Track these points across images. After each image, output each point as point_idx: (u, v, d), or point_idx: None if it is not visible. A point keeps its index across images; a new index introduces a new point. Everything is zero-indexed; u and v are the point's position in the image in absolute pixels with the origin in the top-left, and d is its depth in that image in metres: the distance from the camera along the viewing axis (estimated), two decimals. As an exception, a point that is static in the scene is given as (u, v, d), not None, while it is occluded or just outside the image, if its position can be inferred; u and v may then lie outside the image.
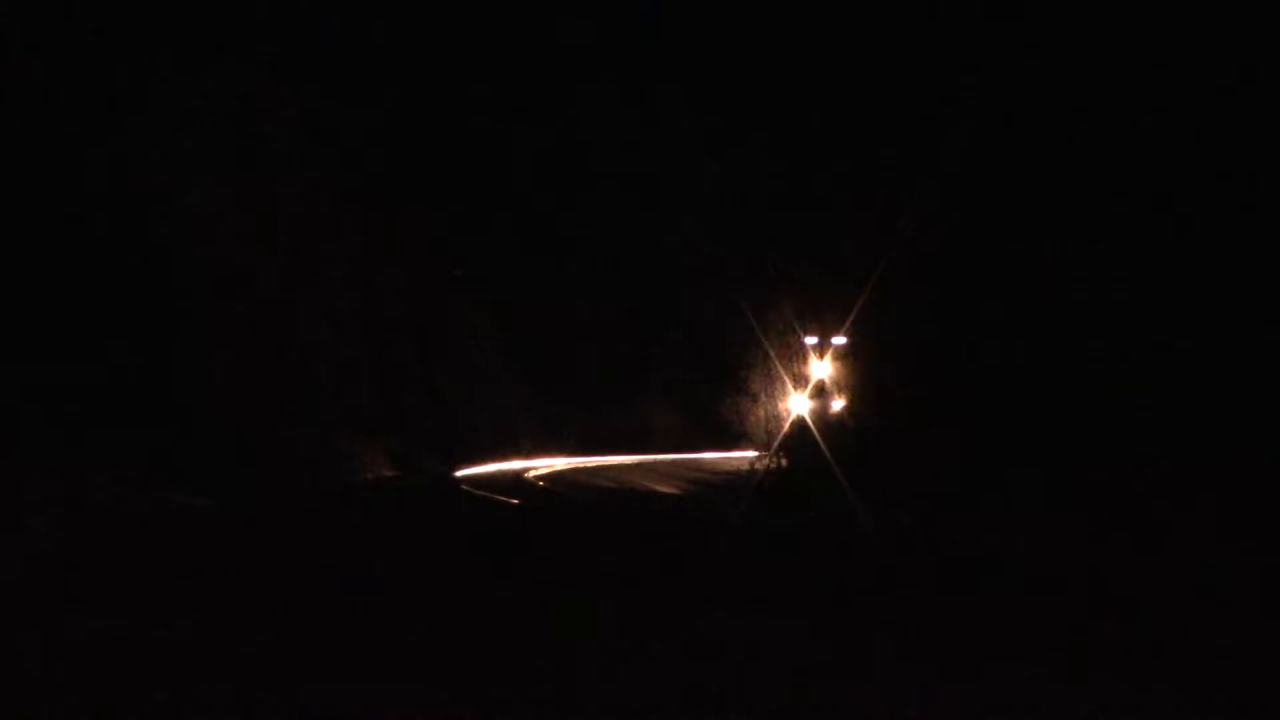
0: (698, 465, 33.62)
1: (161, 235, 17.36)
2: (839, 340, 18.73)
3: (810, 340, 19.94)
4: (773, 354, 21.45)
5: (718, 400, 29.36)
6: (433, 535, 12.86)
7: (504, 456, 31.65)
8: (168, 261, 17.40)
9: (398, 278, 28.05)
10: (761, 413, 23.43)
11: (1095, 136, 11.99)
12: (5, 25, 14.94)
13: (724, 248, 26.86)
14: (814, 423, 18.55)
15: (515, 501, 17.74)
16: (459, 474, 25.43)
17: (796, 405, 19.98)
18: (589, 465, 32.62)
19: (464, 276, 32.05)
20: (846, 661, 5.69)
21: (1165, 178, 11.24)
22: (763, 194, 22.09)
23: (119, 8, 16.54)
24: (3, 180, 14.57)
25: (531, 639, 6.18)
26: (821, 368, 19.57)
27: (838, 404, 18.86)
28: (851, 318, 17.20)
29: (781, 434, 19.96)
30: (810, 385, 19.84)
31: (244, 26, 19.46)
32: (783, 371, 21.10)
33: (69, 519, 11.31)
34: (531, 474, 26.81)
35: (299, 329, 22.25)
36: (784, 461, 19.07)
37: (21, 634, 6.05)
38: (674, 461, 35.74)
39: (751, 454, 23.76)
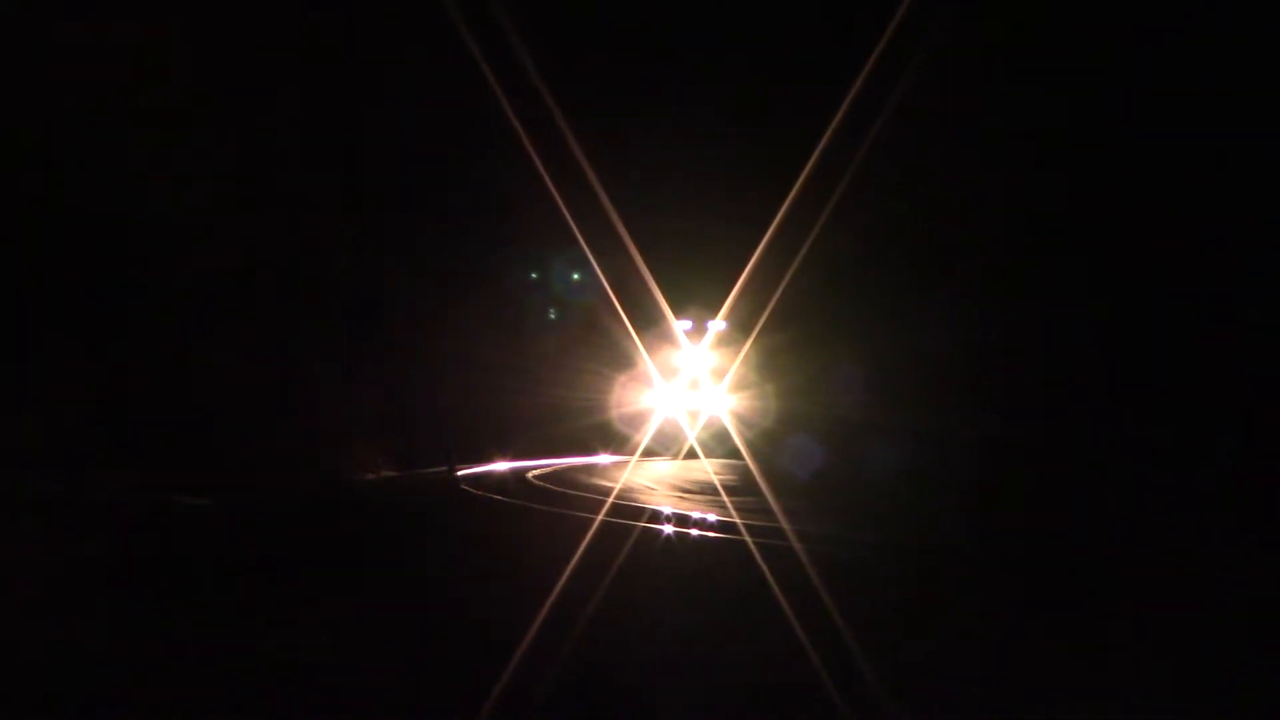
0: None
1: (161, 235, 17.29)
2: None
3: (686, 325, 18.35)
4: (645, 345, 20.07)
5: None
6: (434, 537, 12.82)
7: (503, 456, 31.66)
8: (167, 262, 17.33)
9: (399, 278, 27.98)
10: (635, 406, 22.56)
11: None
12: (4, 27, 14.89)
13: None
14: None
15: (518, 502, 17.71)
16: (460, 473, 25.39)
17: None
18: (585, 465, 32.66)
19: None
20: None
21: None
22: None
23: (119, 8, 16.47)
24: (1, 181, 14.52)
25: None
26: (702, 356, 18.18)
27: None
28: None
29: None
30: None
31: (244, 25, 19.37)
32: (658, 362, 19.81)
33: (69, 519, 11.28)
34: (532, 474, 26.79)
35: (299, 329, 22.19)
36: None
37: (23, 633, 6.02)
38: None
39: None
